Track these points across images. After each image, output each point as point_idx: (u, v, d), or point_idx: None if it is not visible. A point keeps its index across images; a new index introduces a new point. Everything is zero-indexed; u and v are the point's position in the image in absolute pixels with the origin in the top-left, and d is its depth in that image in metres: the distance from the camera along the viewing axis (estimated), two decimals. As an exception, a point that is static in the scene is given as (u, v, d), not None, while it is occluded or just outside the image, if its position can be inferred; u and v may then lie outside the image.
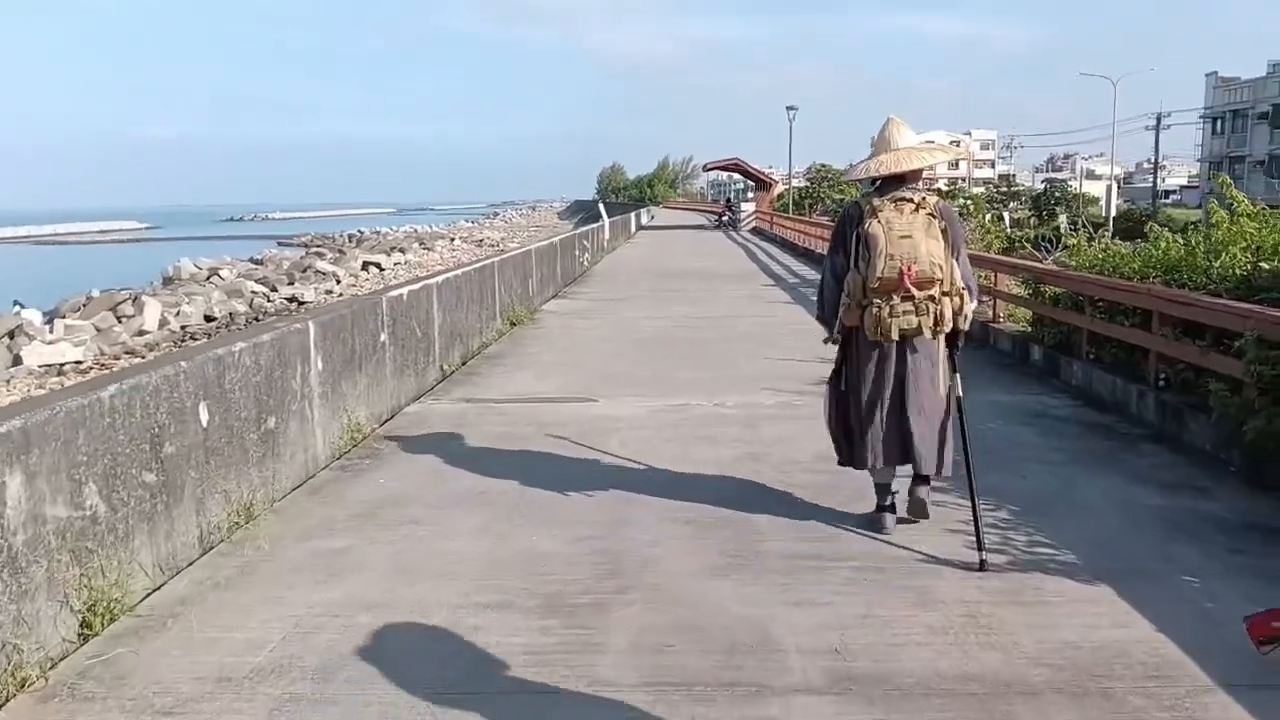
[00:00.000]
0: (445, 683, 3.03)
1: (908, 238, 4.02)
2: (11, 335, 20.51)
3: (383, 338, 6.80)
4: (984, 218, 25.74)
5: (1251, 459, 5.00)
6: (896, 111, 4.48)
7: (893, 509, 4.35)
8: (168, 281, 34.65)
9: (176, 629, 3.46)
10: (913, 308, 4.05)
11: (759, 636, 3.32)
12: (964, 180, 75.93)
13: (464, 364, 8.88)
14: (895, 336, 4.09)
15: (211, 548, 4.27)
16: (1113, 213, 43.58)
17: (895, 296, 4.05)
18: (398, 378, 7.09)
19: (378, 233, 72.34)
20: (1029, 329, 8.95)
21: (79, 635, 3.40)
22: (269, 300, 29.34)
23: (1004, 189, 75.15)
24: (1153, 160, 69.86)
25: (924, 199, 4.12)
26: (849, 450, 4.44)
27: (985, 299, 10.22)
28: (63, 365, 18.94)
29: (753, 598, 3.64)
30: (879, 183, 4.24)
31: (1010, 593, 3.66)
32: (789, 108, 42.57)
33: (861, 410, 4.26)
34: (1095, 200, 58.35)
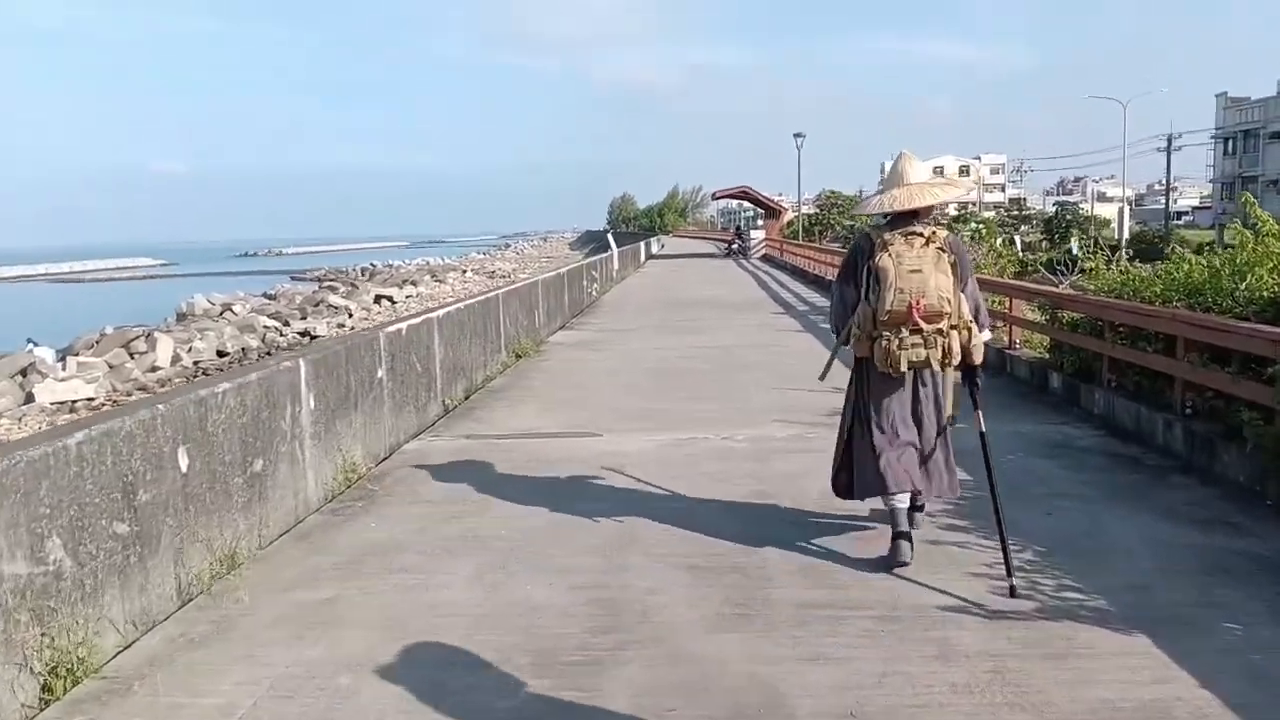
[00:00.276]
0: (426, 754, 2.78)
1: (917, 272, 4.06)
2: (24, 373, 20.52)
3: (380, 374, 6.61)
4: (995, 242, 25.51)
5: (1289, 492, 4.73)
6: (905, 136, 4.43)
7: (909, 537, 4.23)
8: (181, 318, 34.75)
9: (142, 693, 3.23)
10: (921, 340, 4.09)
11: (768, 698, 3.06)
12: (974, 205, 75.68)
13: (466, 398, 8.68)
14: (904, 368, 4.13)
15: (190, 600, 4.05)
16: (1126, 235, 43.23)
17: (904, 329, 4.09)
18: (396, 414, 6.88)
19: (390, 266, 72.67)
20: (1047, 355, 8.68)
21: (39, 700, 3.18)
22: (281, 335, 29.33)
23: (1015, 213, 74.95)
24: (1164, 182, 69.49)
25: (934, 233, 4.16)
26: (848, 480, 4.46)
27: (1000, 324, 9.98)
28: (75, 402, 18.90)
29: (761, 653, 3.38)
30: (890, 216, 4.29)
31: (1039, 644, 3.39)
32: (796, 135, 42.60)
33: (871, 439, 4.28)
34: (1107, 223, 58.03)
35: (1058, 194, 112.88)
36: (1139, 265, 8.30)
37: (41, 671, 3.21)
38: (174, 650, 3.58)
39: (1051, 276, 16.61)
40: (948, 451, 4.32)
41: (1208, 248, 7.64)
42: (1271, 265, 6.26)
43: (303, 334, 29.47)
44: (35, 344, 24.12)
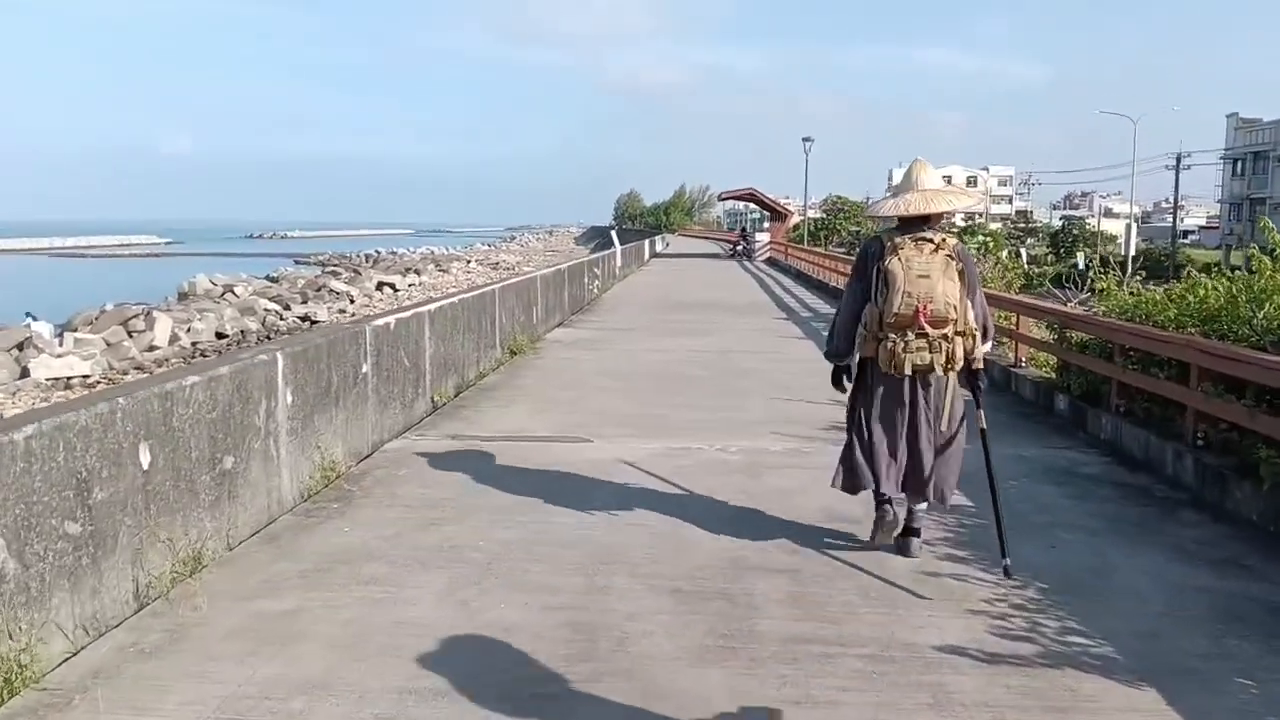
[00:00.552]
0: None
1: (926, 277, 4.12)
2: (20, 347, 20.33)
3: (365, 369, 6.39)
4: (1002, 254, 25.25)
5: (1306, 534, 4.51)
6: (913, 146, 4.33)
7: (884, 526, 4.46)
8: (183, 297, 34.57)
9: (81, 709, 3.02)
10: (926, 345, 4.15)
11: (749, 744, 2.86)
12: (981, 216, 75.37)
13: (457, 395, 8.46)
14: (908, 371, 4.19)
15: (149, 604, 3.84)
16: (1132, 251, 42.93)
17: (910, 333, 4.15)
18: (381, 411, 6.67)
19: (394, 253, 72.48)
20: (1053, 375, 8.46)
21: (-29, 713, 2.98)
22: (281, 319, 29.14)
23: (1021, 225, 74.64)
24: (1171, 200, 69.21)
25: (943, 240, 4.22)
26: (845, 474, 4.53)
27: (1005, 340, 9.77)
28: (70, 379, 18.73)
29: (745, 692, 3.16)
30: (901, 221, 4.32)
31: (1039, 694, 3.18)
32: (805, 139, 42.28)
33: (871, 438, 4.38)
34: (1113, 239, 57.71)
35: (1065, 208, 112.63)
36: (1152, 288, 8.05)
37: (-24, 680, 3.01)
38: (122, 661, 3.37)
39: (1059, 292, 16.37)
40: (946, 459, 4.34)
41: (1215, 268, 7.38)
42: (1292, 293, 6.03)
43: (303, 318, 29.28)
44: (34, 318, 23.92)
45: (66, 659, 3.36)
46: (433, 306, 8.21)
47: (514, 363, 10.55)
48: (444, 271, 51.92)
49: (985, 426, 4.34)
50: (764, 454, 6.46)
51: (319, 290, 37.19)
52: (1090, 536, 4.82)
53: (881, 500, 4.44)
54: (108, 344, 22.05)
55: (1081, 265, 29.65)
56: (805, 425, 7.18)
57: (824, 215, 58.14)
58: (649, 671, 3.30)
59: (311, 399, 5.53)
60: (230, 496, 4.61)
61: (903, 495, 4.44)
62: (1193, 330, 6.47)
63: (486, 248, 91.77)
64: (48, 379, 18.56)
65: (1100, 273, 8.65)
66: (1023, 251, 38.36)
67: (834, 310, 4.82)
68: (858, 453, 4.42)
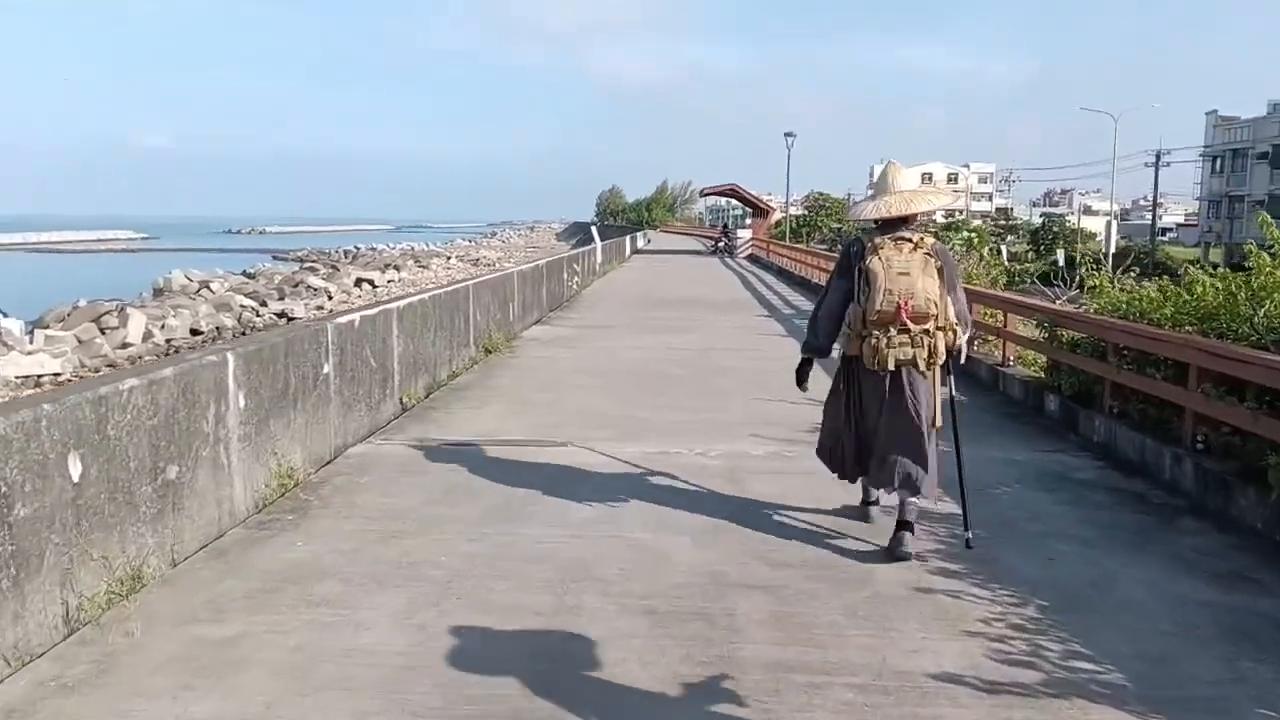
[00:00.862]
0: None
1: (906, 275, 4.25)
2: (-11, 344, 19.79)
3: (326, 369, 6.07)
4: (984, 251, 25.13)
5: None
6: (895, 142, 4.24)
7: (878, 503, 4.89)
8: (158, 293, 33.92)
9: (-15, 756, 2.72)
10: (908, 340, 4.27)
11: (729, 791, 2.58)
12: (961, 213, 75.43)
13: (428, 396, 8.15)
14: (891, 366, 4.30)
15: (80, 628, 3.53)
16: (1113, 249, 42.98)
17: (892, 329, 4.27)
18: (344, 414, 6.35)
19: (374, 249, 71.78)
20: (1043, 375, 8.23)
21: None
22: (257, 315, 28.64)
23: (1002, 222, 74.83)
24: (1150, 197, 69.57)
25: (921, 239, 4.35)
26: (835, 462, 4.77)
27: (992, 338, 9.58)
28: (40, 377, 18.23)
29: (724, 728, 2.89)
30: (880, 221, 4.45)
31: (1045, 727, 2.93)
32: (787, 134, 42.09)
33: (855, 432, 4.54)
34: (1093, 235, 57.89)
35: (1044, 205, 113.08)
36: (1145, 285, 7.84)
37: None
38: (40, 697, 3.05)
39: (1045, 289, 16.22)
40: (929, 454, 4.41)
41: (1196, 265, 7.18)
42: (1292, 291, 5.81)
43: (280, 315, 28.77)
44: (4, 315, 23.33)
45: (-21, 695, 3.05)
46: (401, 303, 7.89)
47: (489, 361, 10.24)
48: (424, 267, 51.40)
49: (955, 394, 4.62)
50: (745, 458, 6.20)
51: (296, 286, 36.65)
52: (1087, 547, 4.58)
53: (867, 500, 4.90)
54: (79, 341, 21.54)
55: (1061, 261, 29.59)
56: (785, 427, 6.93)
57: (806, 212, 57.93)
58: (620, 707, 3.02)
59: (267, 402, 5.21)
60: (175, 509, 4.29)
61: (881, 490, 4.71)
62: (1190, 329, 6.26)
63: (467, 243, 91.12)
64: (17, 377, 18.05)
65: (1092, 269, 8.44)
66: (1003, 249, 38.33)
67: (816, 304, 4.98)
68: (846, 446, 4.61)
